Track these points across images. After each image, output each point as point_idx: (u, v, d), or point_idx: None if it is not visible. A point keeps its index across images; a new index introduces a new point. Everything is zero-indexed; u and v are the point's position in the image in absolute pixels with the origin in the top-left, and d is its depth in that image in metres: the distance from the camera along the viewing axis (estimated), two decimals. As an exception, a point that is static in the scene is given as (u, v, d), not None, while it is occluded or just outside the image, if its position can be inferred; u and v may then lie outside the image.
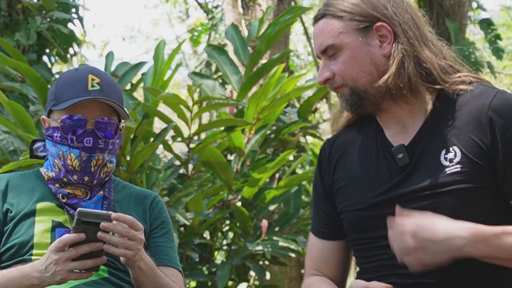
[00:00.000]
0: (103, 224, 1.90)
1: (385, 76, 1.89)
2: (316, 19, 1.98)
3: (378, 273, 1.92)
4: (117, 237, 1.93)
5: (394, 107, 1.94)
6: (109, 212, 1.89)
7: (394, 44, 1.91)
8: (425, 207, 1.84)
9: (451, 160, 1.85)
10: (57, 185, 2.19)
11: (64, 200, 2.16)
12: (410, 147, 1.91)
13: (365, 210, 1.94)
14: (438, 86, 1.91)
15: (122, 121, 2.23)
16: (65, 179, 2.17)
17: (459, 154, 1.85)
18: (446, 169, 1.85)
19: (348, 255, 2.08)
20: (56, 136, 2.17)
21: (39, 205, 2.17)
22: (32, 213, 2.15)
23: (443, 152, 1.87)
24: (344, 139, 2.06)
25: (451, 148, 1.86)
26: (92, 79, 2.16)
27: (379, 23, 1.92)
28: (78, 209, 1.89)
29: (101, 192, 2.20)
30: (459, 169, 1.84)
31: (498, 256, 1.79)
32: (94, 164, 2.16)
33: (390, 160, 1.93)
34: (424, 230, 1.76)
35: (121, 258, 2.00)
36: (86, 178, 2.17)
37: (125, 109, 2.19)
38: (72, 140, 2.15)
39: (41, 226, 2.13)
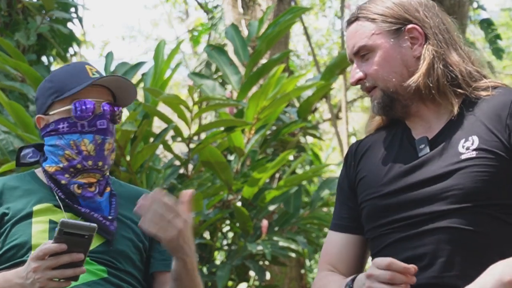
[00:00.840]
0: (139, 202, 1.95)
1: (415, 76, 1.95)
2: (349, 22, 2.03)
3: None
4: (152, 215, 1.95)
5: (422, 109, 1.99)
6: (93, 224, 1.88)
7: (425, 46, 1.96)
8: (438, 190, 1.88)
9: (468, 148, 1.89)
10: (67, 175, 2.17)
11: (79, 191, 2.15)
12: (433, 141, 1.95)
13: (381, 198, 1.97)
14: (462, 91, 1.95)
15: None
16: (79, 166, 2.15)
17: (476, 142, 1.88)
18: (462, 155, 1.88)
19: (364, 253, 2.09)
20: (63, 127, 2.16)
21: (36, 207, 2.15)
22: (29, 215, 2.14)
23: (462, 141, 1.91)
24: (371, 138, 2.11)
25: (470, 137, 1.90)
26: (90, 69, 2.20)
27: (410, 25, 1.97)
28: (61, 220, 1.87)
29: (108, 189, 2.21)
30: (474, 155, 1.87)
31: None
32: (106, 148, 2.17)
33: (411, 152, 1.97)
34: None
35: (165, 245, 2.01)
36: (100, 163, 2.17)
37: (133, 85, 2.22)
38: (83, 126, 2.14)
39: (38, 227, 2.12)
